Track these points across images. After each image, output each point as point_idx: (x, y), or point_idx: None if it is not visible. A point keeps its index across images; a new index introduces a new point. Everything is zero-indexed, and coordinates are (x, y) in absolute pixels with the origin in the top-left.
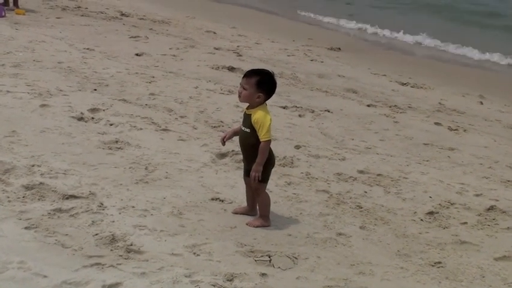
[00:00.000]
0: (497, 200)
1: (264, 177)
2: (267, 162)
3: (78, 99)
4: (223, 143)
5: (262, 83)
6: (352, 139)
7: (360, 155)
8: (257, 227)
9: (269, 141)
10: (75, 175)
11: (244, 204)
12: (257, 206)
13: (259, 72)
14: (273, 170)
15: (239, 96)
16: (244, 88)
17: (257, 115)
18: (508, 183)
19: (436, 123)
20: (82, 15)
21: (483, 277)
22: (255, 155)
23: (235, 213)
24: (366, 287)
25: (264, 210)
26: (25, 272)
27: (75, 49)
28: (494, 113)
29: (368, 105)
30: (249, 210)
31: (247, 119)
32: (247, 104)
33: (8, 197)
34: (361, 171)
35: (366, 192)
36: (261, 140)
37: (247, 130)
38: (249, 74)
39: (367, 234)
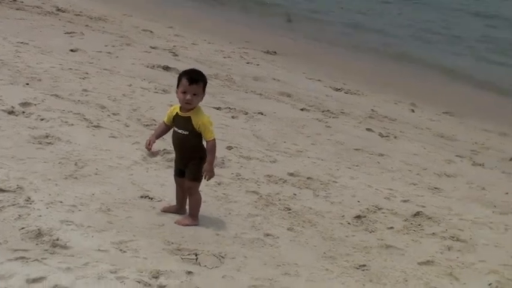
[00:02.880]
0: (423, 206)
1: (199, 176)
2: (202, 162)
3: (10, 92)
4: (149, 149)
5: (205, 84)
6: (284, 142)
7: (291, 158)
8: (186, 225)
9: (215, 140)
10: (3, 168)
11: (174, 203)
12: (186, 204)
13: (202, 74)
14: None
15: (188, 104)
16: (195, 94)
17: (200, 119)
18: (435, 190)
19: (368, 129)
20: (17, 9)
21: (406, 281)
22: (194, 155)
23: (164, 211)
24: (291, 287)
25: (195, 209)
26: None
27: (8, 42)
28: (425, 121)
29: (301, 109)
30: (178, 209)
31: (184, 122)
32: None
33: None
34: (291, 174)
35: (295, 194)
36: (208, 140)
37: (186, 133)
38: (197, 78)
39: (294, 236)
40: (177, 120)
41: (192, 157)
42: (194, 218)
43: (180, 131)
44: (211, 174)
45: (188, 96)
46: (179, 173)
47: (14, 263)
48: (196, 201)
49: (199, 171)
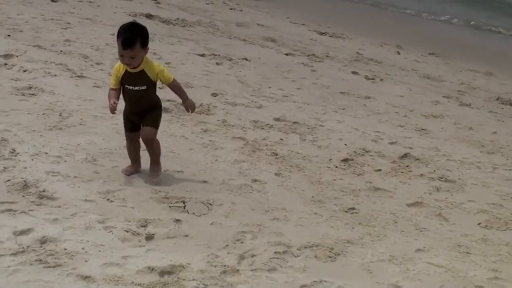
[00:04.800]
0: (411, 148)
1: (158, 123)
2: (159, 108)
3: None
4: (114, 112)
5: (144, 40)
6: (270, 87)
7: (276, 103)
8: (157, 176)
9: (175, 79)
10: None
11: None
12: (149, 155)
13: (135, 33)
14: (189, 117)
15: (128, 65)
16: (132, 57)
17: (154, 69)
18: (422, 131)
19: (354, 72)
20: None
21: (395, 222)
22: (152, 106)
23: (130, 174)
24: (280, 232)
25: (158, 156)
26: None
27: None
28: (410, 63)
29: (286, 54)
30: (138, 167)
31: (139, 77)
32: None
33: None
34: (277, 119)
35: (281, 139)
36: (170, 83)
37: (144, 87)
38: (129, 43)
39: (282, 181)
40: (129, 78)
41: (150, 108)
42: (159, 165)
43: (136, 87)
44: (194, 108)
45: (126, 61)
46: (132, 128)
47: (0, 215)
48: (158, 149)
49: (159, 118)
